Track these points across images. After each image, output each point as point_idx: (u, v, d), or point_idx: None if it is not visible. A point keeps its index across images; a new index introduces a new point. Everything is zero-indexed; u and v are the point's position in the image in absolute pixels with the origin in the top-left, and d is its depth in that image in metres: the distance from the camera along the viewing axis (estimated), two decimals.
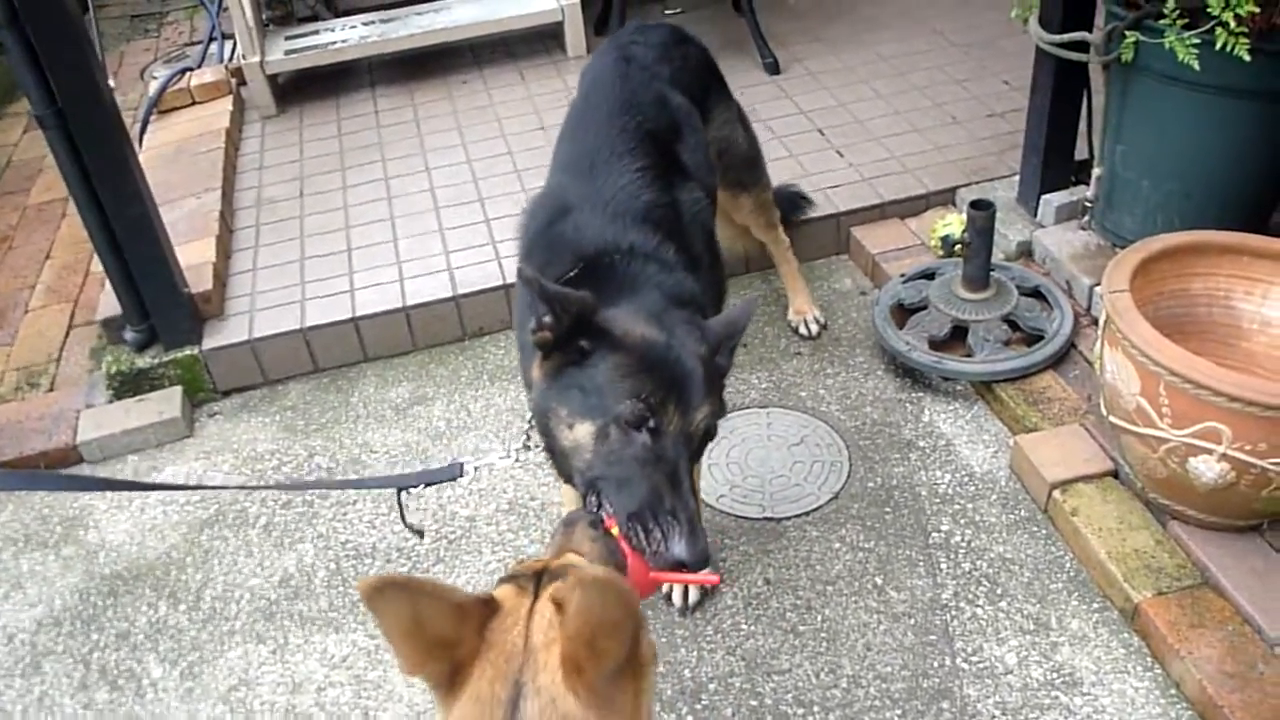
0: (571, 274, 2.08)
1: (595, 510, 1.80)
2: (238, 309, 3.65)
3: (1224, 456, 2.28)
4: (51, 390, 3.64)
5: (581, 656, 1.12)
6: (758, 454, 3.04)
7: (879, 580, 2.65)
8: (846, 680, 2.43)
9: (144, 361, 3.49)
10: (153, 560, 3.01)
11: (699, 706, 2.42)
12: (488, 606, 1.22)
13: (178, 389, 3.50)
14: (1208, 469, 2.31)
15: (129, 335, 3.50)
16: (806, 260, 3.80)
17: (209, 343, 3.52)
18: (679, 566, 1.72)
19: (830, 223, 3.80)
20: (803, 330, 3.46)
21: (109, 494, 3.27)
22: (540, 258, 2.22)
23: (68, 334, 3.90)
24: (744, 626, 2.58)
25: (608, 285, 2.02)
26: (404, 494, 2.15)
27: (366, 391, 3.53)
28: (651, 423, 1.78)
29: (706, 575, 1.79)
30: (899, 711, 2.35)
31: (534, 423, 1.99)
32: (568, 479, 1.98)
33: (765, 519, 2.84)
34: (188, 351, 3.50)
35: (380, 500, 3.08)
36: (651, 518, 1.73)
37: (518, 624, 1.20)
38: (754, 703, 2.41)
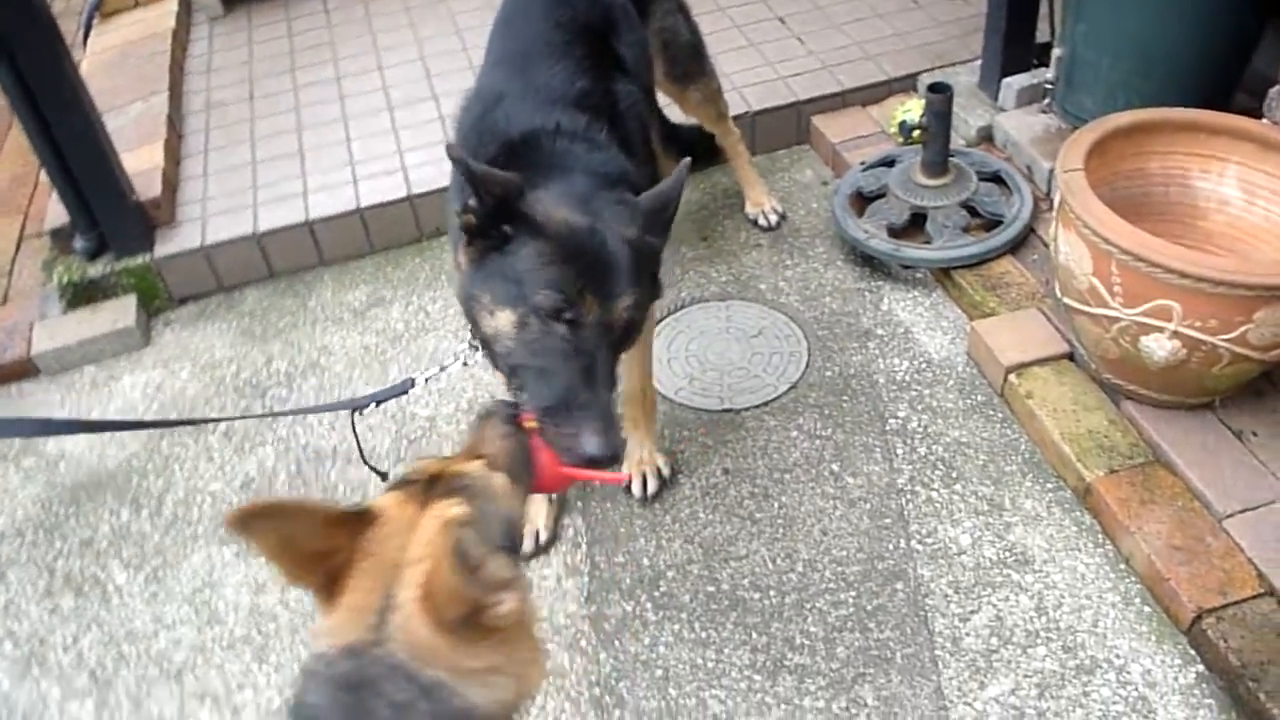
0: (499, 158, 2.01)
1: (516, 400, 1.78)
2: (190, 215, 3.58)
3: (1175, 334, 2.28)
4: (4, 303, 3.59)
5: (433, 592, 1.13)
6: (717, 347, 3.03)
7: (836, 467, 2.67)
8: (803, 564, 2.46)
9: (96, 271, 3.44)
10: (113, 469, 3.00)
11: (657, 593, 2.45)
12: (363, 518, 1.22)
13: (132, 298, 3.45)
14: (1159, 347, 2.32)
15: (79, 244, 3.45)
16: (767, 151, 3.76)
17: (161, 250, 3.46)
18: (591, 462, 1.68)
19: (790, 112, 3.74)
20: (761, 222, 3.42)
21: (68, 404, 3.25)
22: (471, 146, 2.16)
23: (19, 246, 3.84)
24: (701, 515, 2.60)
25: (535, 167, 1.95)
26: (357, 414, 2.07)
27: (324, 295, 3.49)
28: (569, 314, 1.75)
29: (613, 474, 1.76)
30: (854, 593, 2.39)
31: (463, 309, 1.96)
32: (496, 365, 1.96)
33: (724, 410, 2.85)
34: (140, 259, 3.44)
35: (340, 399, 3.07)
36: (564, 411, 1.71)
37: (398, 534, 1.20)
38: (711, 588, 2.44)
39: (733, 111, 3.43)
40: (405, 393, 2.07)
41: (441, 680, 1.11)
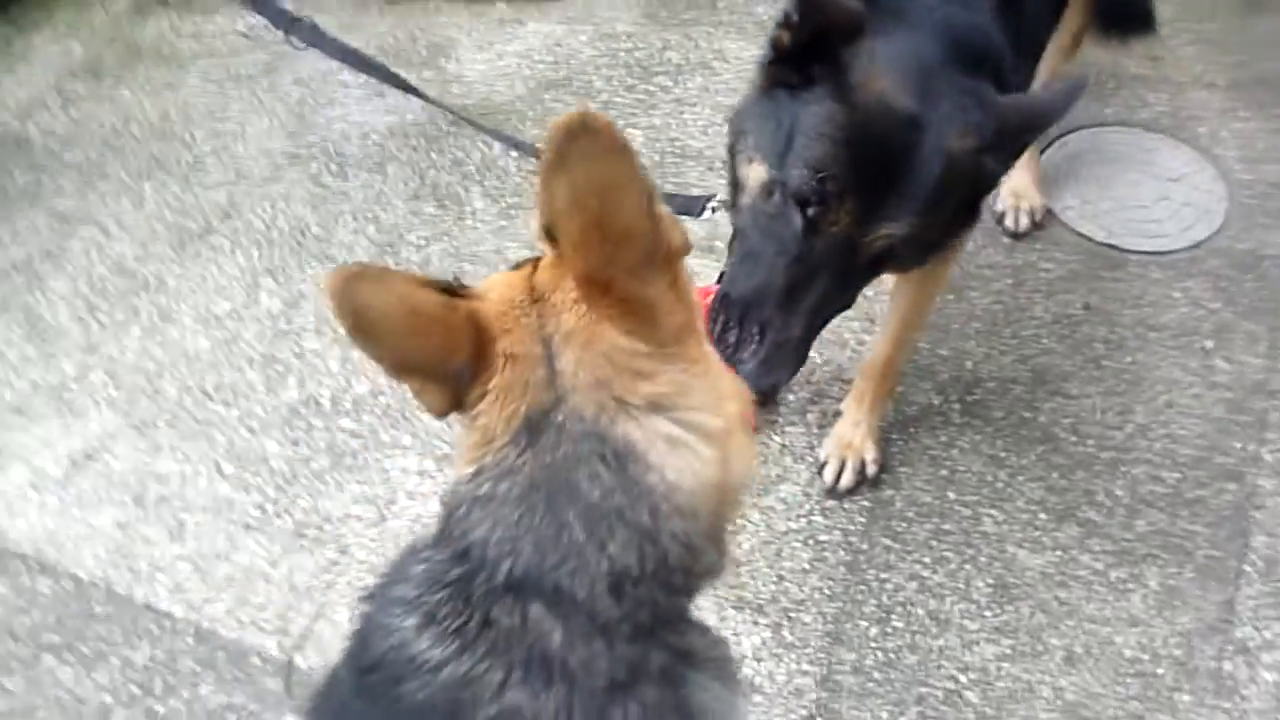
0: None
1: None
2: None
3: None
4: None
5: (595, 264, 0.95)
6: (1127, 177, 2.72)
7: (1209, 344, 2.40)
8: (1133, 427, 2.27)
9: None
10: (498, 104, 3.14)
11: (970, 398, 2.35)
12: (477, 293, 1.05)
13: None
14: None
15: None
16: None
17: None
18: None
19: None
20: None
21: (474, 34, 3.39)
22: None
23: None
24: (1044, 341, 2.43)
25: (890, 5, 1.50)
26: None
27: None
28: (814, 210, 1.40)
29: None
30: (1178, 475, 2.19)
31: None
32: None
33: (1107, 245, 2.59)
34: None
35: (718, 108, 3.03)
36: (740, 314, 1.43)
37: (521, 286, 1.03)
38: (1027, 414, 2.31)
39: None
40: (690, 214, 1.84)
41: (633, 443, 0.93)
